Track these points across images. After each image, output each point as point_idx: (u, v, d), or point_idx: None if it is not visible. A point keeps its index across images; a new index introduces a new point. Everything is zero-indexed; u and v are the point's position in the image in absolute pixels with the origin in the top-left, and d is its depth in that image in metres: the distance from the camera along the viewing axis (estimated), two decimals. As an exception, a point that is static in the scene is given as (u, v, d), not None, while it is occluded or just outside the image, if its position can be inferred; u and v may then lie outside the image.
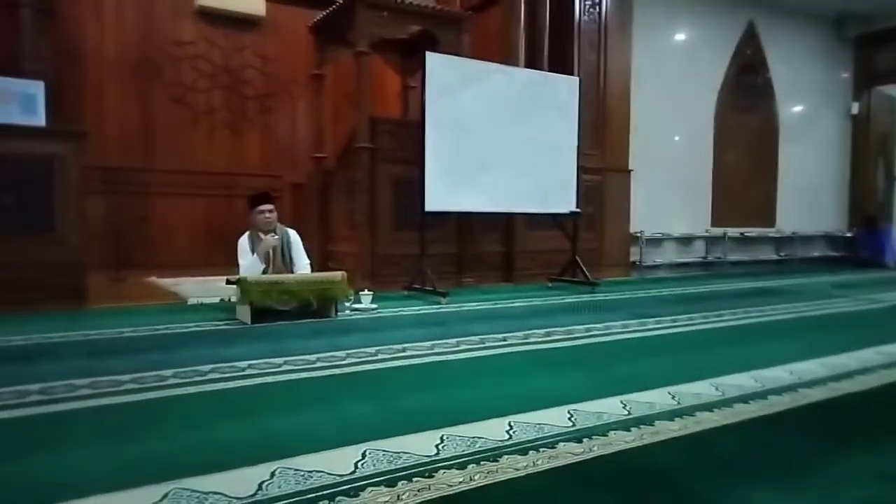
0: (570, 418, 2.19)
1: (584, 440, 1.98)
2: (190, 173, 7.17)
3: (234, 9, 7.31)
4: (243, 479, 1.65)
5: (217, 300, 4.64)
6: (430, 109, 5.20)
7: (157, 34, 7.00)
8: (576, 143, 6.16)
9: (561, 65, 6.68)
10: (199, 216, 7.21)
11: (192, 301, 4.73)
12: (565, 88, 6.12)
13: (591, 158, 6.77)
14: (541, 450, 1.90)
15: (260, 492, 1.59)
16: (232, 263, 4.31)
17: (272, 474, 1.69)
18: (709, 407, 2.35)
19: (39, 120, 4.35)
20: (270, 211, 4.29)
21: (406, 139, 5.62)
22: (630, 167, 7.40)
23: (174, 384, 2.56)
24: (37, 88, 4.37)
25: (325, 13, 6.10)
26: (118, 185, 6.74)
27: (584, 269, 6.01)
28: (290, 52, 7.72)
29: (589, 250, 6.61)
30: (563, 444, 1.95)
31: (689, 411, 2.30)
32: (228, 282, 4.12)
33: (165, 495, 1.55)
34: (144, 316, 4.09)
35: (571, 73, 6.57)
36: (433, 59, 5.25)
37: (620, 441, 1.99)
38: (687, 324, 4.23)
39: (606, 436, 2.03)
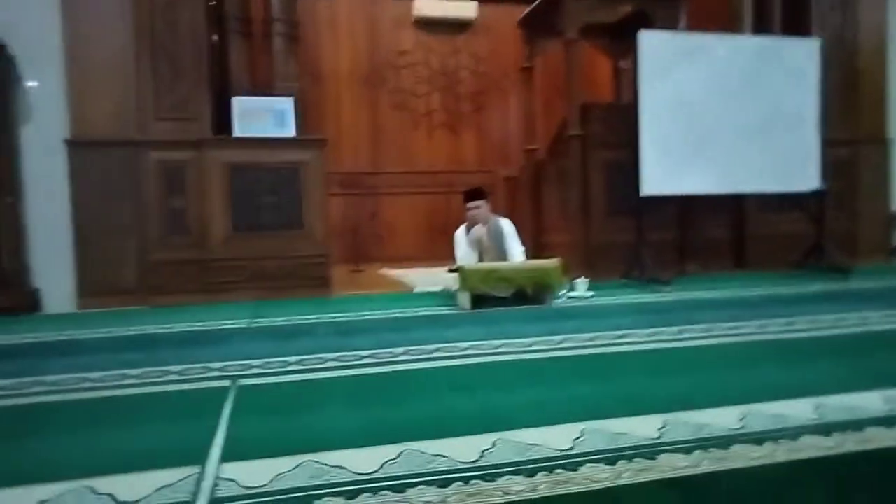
0: (815, 410, 1.95)
1: (835, 434, 1.76)
2: (413, 173, 7.73)
3: (448, 14, 7.70)
4: (467, 446, 1.74)
5: (439, 289, 4.93)
6: (644, 89, 4.98)
7: (381, 47, 7.65)
8: (817, 113, 5.45)
9: (796, 28, 5.94)
10: (421, 213, 7.74)
11: (417, 289, 5.09)
12: (803, 52, 5.44)
13: (838, 129, 5.93)
14: (780, 441, 1.72)
15: (482, 458, 1.66)
16: (451, 256, 4.56)
17: (493, 444, 1.75)
18: None
19: (290, 132, 5.00)
20: (477, 207, 4.44)
21: (618, 123, 5.45)
22: (889, 136, 6.34)
23: (404, 360, 2.78)
24: (287, 104, 5.03)
25: (533, 6, 6.15)
26: (353, 187, 7.50)
27: (833, 254, 5.29)
28: (501, 50, 7.93)
29: (838, 233, 5.80)
30: (807, 437, 1.75)
31: (977, 411, 1.91)
32: (450, 270, 4.36)
33: (400, 454, 1.70)
34: (378, 302, 4.50)
35: (809, 36, 5.81)
36: (647, 37, 5.01)
37: (882, 437, 1.72)
38: (973, 315, 3.52)
39: (863, 431, 1.77)
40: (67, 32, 4.62)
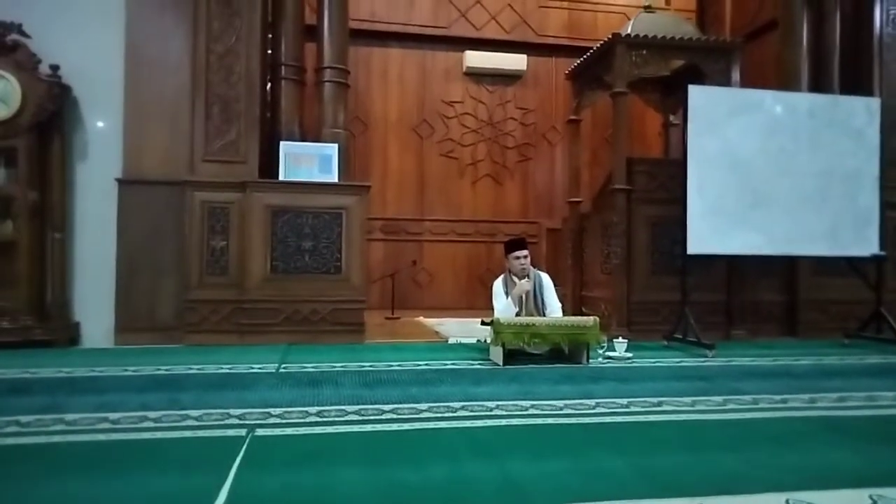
0: (871, 506, 1.76)
1: (893, 538, 1.57)
2: (456, 221, 7.72)
3: (498, 66, 7.80)
4: (479, 522, 1.62)
5: (474, 341, 4.82)
6: (693, 145, 4.85)
7: (430, 97, 7.77)
8: (877, 174, 5.20)
9: (856, 86, 5.76)
10: (462, 261, 7.70)
11: (451, 341, 4.98)
12: (863, 111, 5.23)
13: (899, 191, 5.66)
14: (829, 541, 1.55)
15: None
16: (490, 306, 4.45)
17: (508, 521, 1.63)
18: None
19: (333, 177, 5.05)
20: (525, 256, 4.37)
21: (666, 178, 5.32)
22: (956, 200, 6.00)
23: (427, 417, 2.68)
24: (332, 150, 5.10)
25: (583, 58, 6.14)
26: (396, 233, 7.54)
27: (893, 323, 4.96)
28: (548, 102, 7.97)
29: (899, 302, 5.46)
30: (861, 538, 1.56)
31: None
32: (483, 323, 4.25)
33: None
34: (410, 352, 4.41)
35: (870, 95, 5.61)
36: (696, 92, 4.91)
37: (949, 546, 1.53)
38: None
39: (927, 537, 1.58)
40: (129, 76, 4.82)
